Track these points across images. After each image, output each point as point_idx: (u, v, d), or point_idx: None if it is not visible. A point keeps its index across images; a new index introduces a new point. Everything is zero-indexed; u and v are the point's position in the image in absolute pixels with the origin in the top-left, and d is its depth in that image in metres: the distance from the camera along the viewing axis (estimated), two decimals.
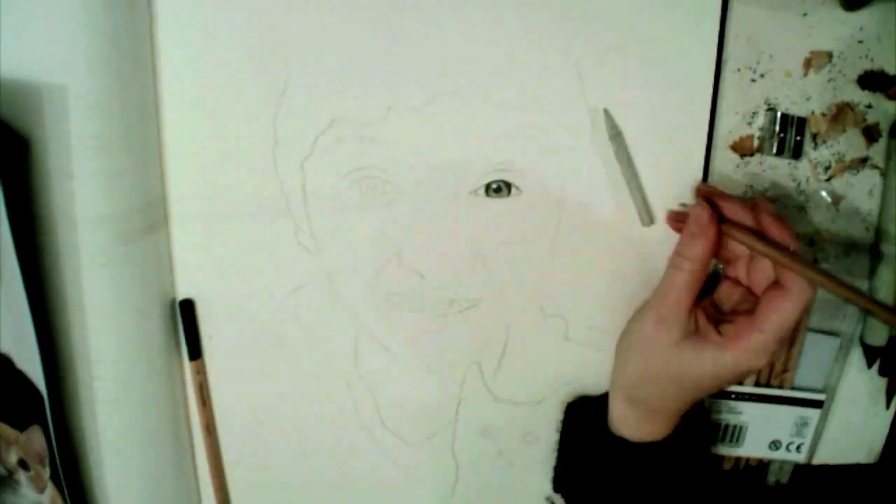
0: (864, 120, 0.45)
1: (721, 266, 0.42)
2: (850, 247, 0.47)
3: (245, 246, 0.43)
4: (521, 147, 0.43)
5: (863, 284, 0.47)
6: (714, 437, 0.50)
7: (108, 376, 0.42)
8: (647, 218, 0.44)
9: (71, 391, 0.42)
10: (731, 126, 0.44)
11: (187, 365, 0.45)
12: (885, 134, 0.45)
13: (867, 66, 0.44)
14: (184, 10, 0.39)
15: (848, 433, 0.52)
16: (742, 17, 0.42)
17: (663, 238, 0.43)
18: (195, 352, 0.45)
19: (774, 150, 0.44)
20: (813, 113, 0.45)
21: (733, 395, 0.49)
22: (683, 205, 0.42)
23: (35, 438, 0.42)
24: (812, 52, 0.43)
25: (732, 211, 0.38)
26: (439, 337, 0.46)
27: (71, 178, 0.38)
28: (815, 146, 0.45)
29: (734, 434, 0.50)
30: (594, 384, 0.47)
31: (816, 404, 0.49)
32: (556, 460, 0.49)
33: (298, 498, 0.50)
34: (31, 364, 0.40)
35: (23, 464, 0.44)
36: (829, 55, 0.43)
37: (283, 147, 0.42)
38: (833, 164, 0.46)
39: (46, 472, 0.43)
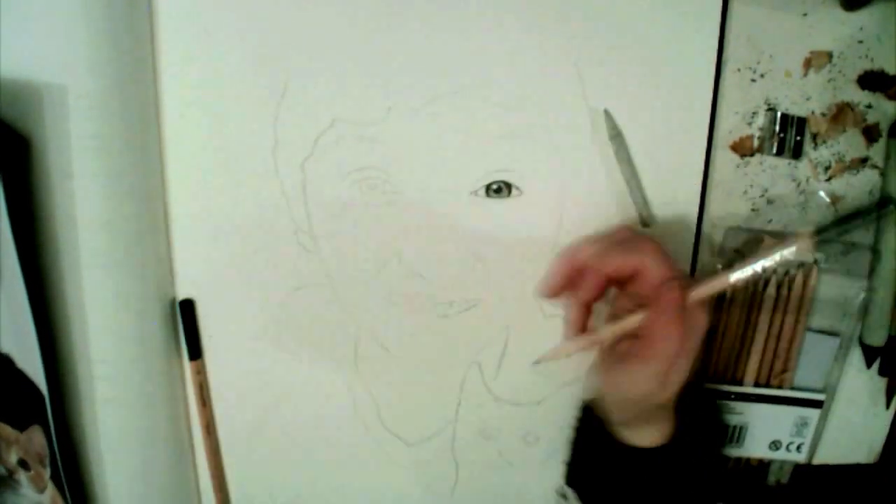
0: (864, 120, 0.45)
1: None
2: (850, 247, 0.47)
3: (245, 246, 0.43)
4: (522, 147, 0.43)
5: (863, 284, 0.47)
6: (723, 439, 0.50)
7: (108, 376, 0.42)
8: (647, 218, 0.44)
9: (71, 391, 0.42)
10: (731, 126, 0.44)
11: (187, 365, 0.45)
12: (884, 134, 0.45)
13: (867, 66, 0.44)
14: (184, 10, 0.39)
15: (848, 433, 0.52)
16: (742, 17, 0.42)
17: (663, 238, 0.43)
18: (195, 352, 0.45)
19: (774, 150, 0.45)
20: (813, 113, 0.45)
21: (733, 396, 0.49)
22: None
23: (35, 438, 0.42)
24: (812, 52, 0.43)
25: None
26: (439, 337, 0.46)
27: (71, 178, 0.38)
28: (815, 146, 0.45)
29: (734, 434, 0.50)
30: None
31: (816, 404, 0.49)
32: (570, 455, 0.49)
33: (298, 498, 0.50)
34: (31, 364, 0.40)
35: (23, 464, 0.44)
36: (829, 55, 0.43)
37: (283, 147, 0.42)
38: (833, 164, 0.46)
39: (47, 472, 0.43)
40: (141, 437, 0.44)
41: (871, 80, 0.44)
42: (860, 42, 0.43)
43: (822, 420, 0.50)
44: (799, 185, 0.46)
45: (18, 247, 0.37)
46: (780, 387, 0.49)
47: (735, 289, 0.46)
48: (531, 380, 0.48)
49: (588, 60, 0.42)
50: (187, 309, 0.44)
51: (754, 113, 0.44)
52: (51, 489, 0.44)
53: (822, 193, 0.46)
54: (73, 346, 0.41)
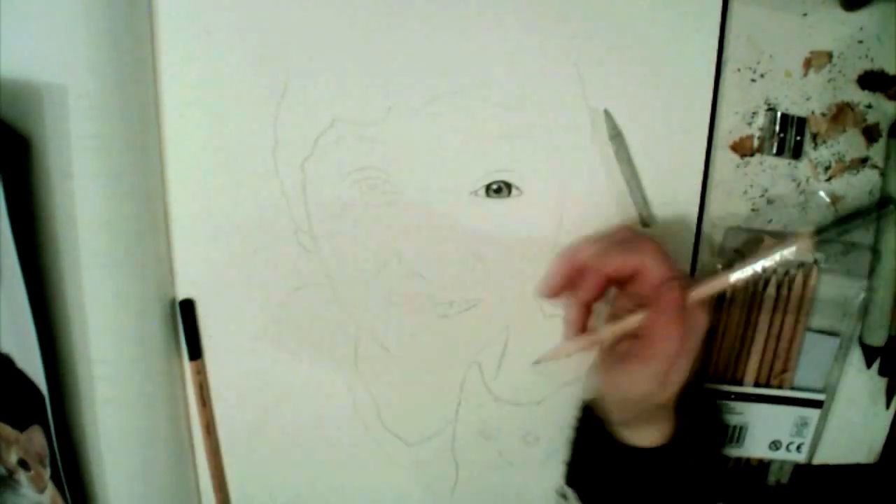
0: (864, 120, 0.45)
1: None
2: (850, 247, 0.47)
3: (245, 246, 0.43)
4: (522, 147, 0.43)
5: (863, 284, 0.47)
6: (723, 439, 0.50)
7: (108, 376, 0.42)
8: (647, 218, 0.44)
9: (71, 391, 0.42)
10: (731, 126, 0.44)
11: (187, 365, 0.45)
12: (884, 134, 0.45)
13: (867, 66, 0.44)
14: (184, 10, 0.39)
15: (848, 433, 0.52)
16: (742, 17, 0.42)
17: (663, 238, 0.43)
18: (195, 352, 0.45)
19: (774, 150, 0.45)
20: (813, 113, 0.45)
21: (733, 396, 0.49)
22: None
23: (35, 438, 0.42)
24: (812, 52, 0.43)
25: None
26: (439, 337, 0.46)
27: (71, 178, 0.38)
28: (815, 146, 0.45)
29: (734, 434, 0.50)
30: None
31: (816, 404, 0.49)
32: (570, 455, 0.49)
33: (298, 498, 0.50)
34: (31, 364, 0.40)
35: (23, 464, 0.44)
36: (829, 55, 0.43)
37: (283, 147, 0.42)
38: (833, 164, 0.46)
39: (47, 472, 0.43)
40: (141, 437, 0.44)
41: (871, 80, 0.44)
42: (860, 42, 0.43)
43: (822, 420, 0.50)
44: (799, 185, 0.46)
45: (18, 247, 0.37)
46: (780, 387, 0.49)
47: (735, 289, 0.46)
48: (531, 380, 0.48)
49: (588, 60, 0.42)
50: (187, 309, 0.44)
51: (754, 113, 0.44)
52: (51, 489, 0.44)
53: (822, 193, 0.46)
54: (73, 346, 0.41)
